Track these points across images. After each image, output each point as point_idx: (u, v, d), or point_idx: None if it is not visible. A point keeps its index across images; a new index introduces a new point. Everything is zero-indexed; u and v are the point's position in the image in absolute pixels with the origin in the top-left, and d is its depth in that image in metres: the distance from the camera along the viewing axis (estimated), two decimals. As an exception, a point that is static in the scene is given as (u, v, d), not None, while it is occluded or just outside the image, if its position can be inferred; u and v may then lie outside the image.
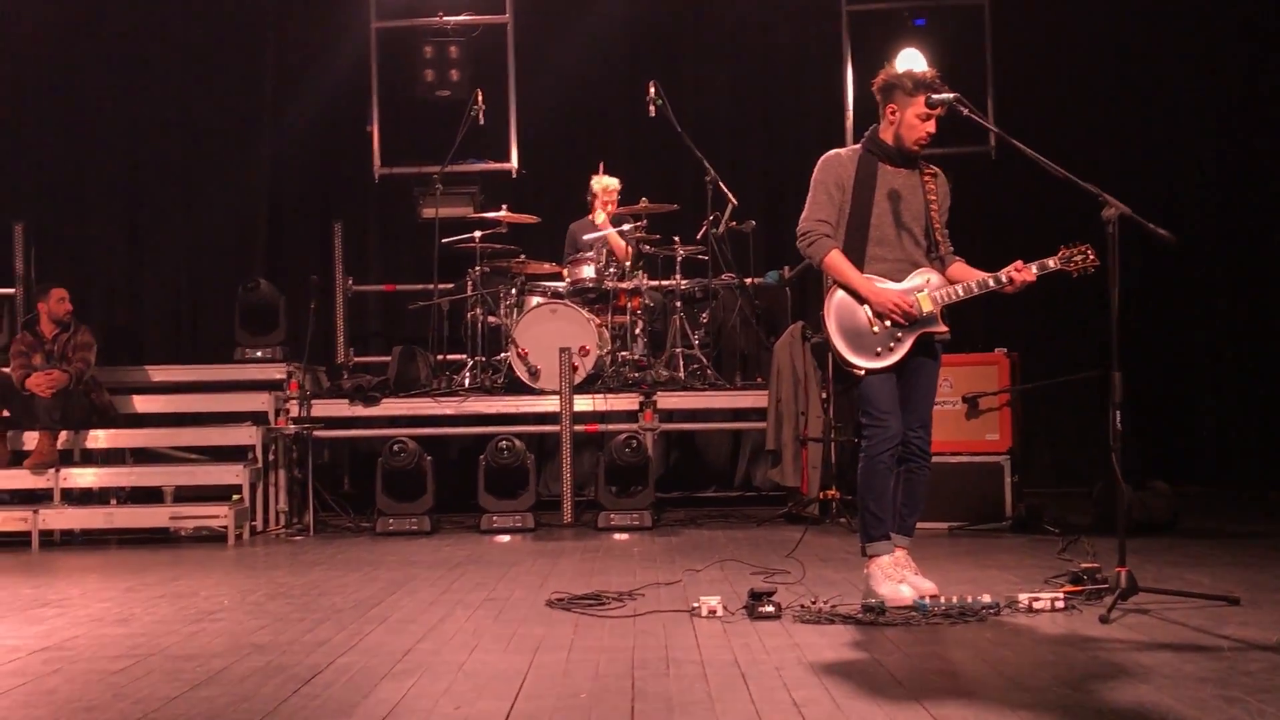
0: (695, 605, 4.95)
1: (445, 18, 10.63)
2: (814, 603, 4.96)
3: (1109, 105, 10.68)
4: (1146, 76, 10.61)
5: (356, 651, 4.42)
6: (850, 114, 10.46)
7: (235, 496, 8.54)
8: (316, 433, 8.96)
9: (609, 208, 9.62)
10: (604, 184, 9.63)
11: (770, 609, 4.83)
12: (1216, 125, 10.56)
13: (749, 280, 9.54)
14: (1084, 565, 5.24)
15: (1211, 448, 10.42)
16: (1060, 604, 4.85)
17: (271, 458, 8.97)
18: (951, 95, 5.06)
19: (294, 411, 9.02)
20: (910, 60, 9.65)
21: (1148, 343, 9.96)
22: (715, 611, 4.88)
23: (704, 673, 3.93)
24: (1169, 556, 6.27)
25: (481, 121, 9.94)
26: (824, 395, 8.56)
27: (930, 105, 5.07)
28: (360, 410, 9.09)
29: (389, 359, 9.65)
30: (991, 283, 5.09)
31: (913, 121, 5.11)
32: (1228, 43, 10.41)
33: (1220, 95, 10.49)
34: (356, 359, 10.52)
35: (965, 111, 5.10)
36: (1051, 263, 5.07)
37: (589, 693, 3.71)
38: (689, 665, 4.05)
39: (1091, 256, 5.04)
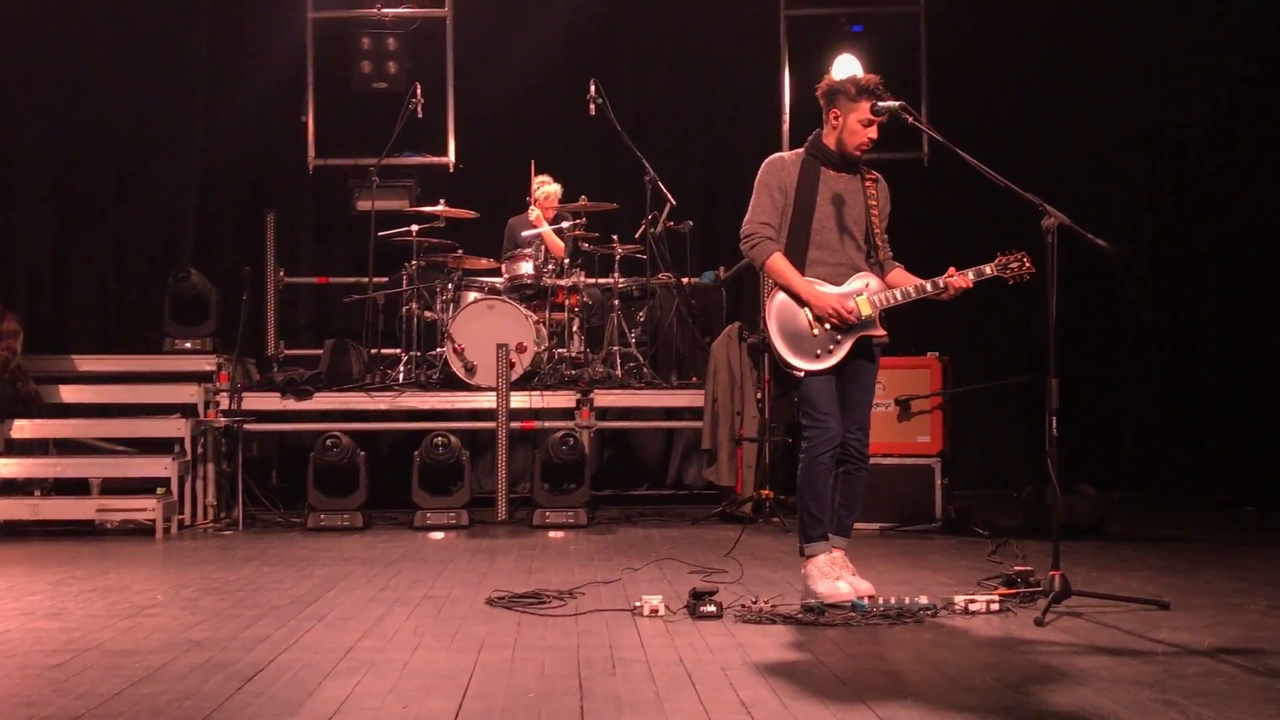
0: (637, 604, 4.97)
1: (384, 9, 10.52)
2: (755, 602, 4.99)
3: (1040, 112, 10.83)
4: (1078, 84, 10.79)
5: (297, 649, 4.38)
6: (787, 117, 10.52)
7: (161, 490, 8.42)
8: (247, 426, 8.85)
9: (549, 213, 9.58)
10: (546, 191, 9.60)
11: (712, 609, 4.86)
12: (1147, 134, 10.76)
13: (686, 280, 9.60)
14: (1017, 568, 5.32)
15: (1136, 452, 10.61)
16: (995, 606, 4.92)
17: (200, 450, 8.84)
18: (897, 103, 5.13)
19: (224, 404, 8.91)
20: (847, 66, 9.77)
21: (1072, 348, 10.08)
22: (657, 611, 4.90)
23: (650, 672, 3.95)
24: (1098, 559, 6.40)
25: (420, 115, 9.86)
26: (759, 395, 8.62)
27: (876, 113, 5.13)
28: (292, 404, 8.99)
29: (320, 352, 9.56)
30: (929, 288, 5.16)
31: (855, 127, 5.17)
32: (1159, 50, 10.60)
33: (1152, 104, 10.69)
34: (287, 351, 10.40)
35: (910, 120, 5.17)
36: (988, 269, 5.15)
37: (537, 692, 3.71)
38: (635, 665, 4.06)
39: (1028, 264, 5.14)
